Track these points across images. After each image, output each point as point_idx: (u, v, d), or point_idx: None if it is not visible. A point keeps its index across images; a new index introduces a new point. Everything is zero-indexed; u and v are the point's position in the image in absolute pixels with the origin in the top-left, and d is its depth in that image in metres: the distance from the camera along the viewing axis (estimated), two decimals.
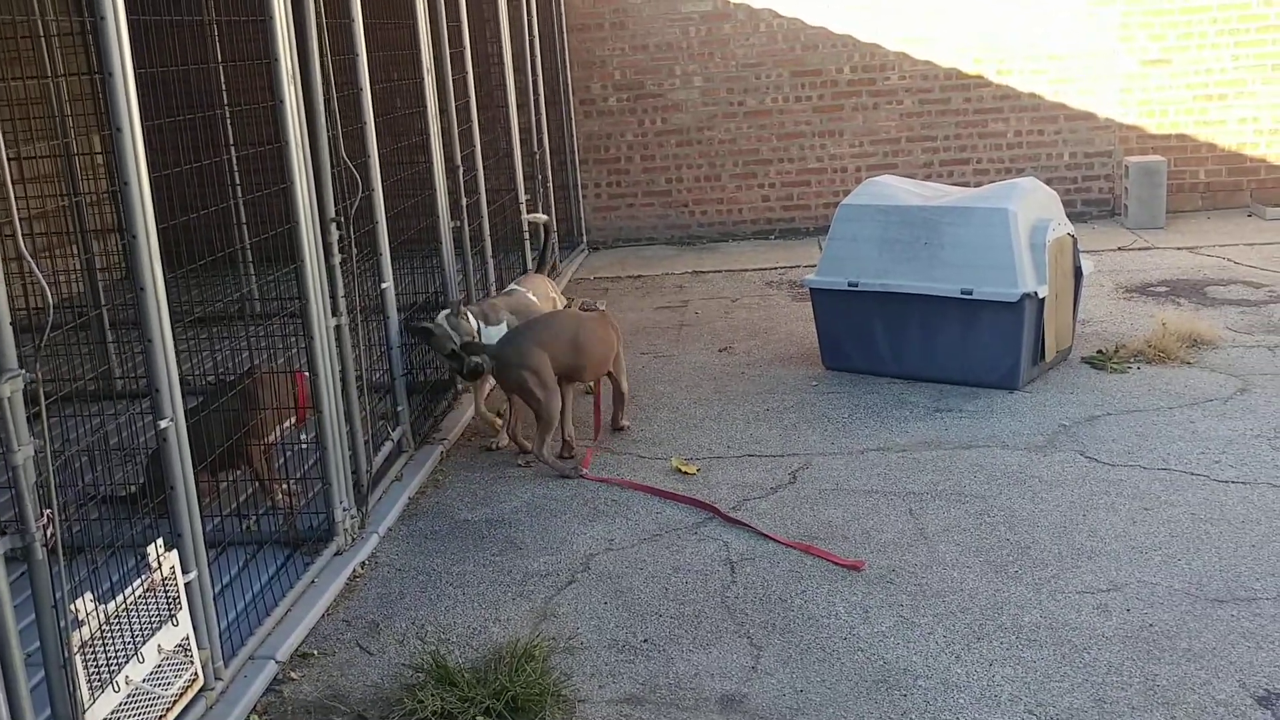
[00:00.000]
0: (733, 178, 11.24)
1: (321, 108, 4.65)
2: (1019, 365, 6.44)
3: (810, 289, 7.10)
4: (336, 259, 4.74)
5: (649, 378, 7.07)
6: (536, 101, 9.52)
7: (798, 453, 5.72)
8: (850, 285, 6.85)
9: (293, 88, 4.41)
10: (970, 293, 6.41)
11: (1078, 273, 6.84)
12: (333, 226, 4.71)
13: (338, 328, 4.75)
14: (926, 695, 3.59)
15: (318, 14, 4.66)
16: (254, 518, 4.97)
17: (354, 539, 4.82)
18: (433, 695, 3.56)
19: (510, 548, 4.81)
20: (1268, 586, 4.14)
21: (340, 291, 4.76)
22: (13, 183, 2.76)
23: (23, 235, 2.78)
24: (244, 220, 5.57)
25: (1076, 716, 3.44)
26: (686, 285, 9.62)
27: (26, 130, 6.32)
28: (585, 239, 11.19)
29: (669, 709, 3.60)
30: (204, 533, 3.75)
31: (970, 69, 10.80)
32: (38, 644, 2.90)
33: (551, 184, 9.86)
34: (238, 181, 5.81)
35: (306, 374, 4.63)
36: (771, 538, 4.70)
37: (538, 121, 9.47)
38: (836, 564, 4.49)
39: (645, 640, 4.01)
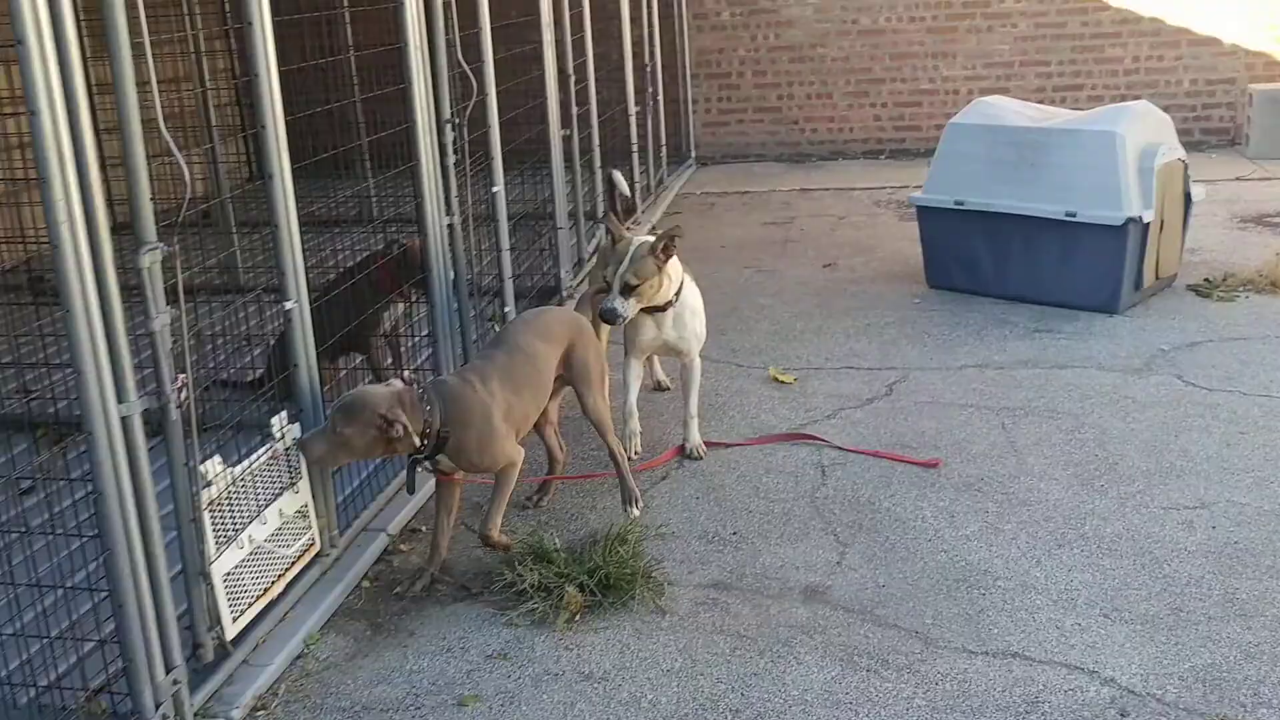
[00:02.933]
0: (844, 96, 11.15)
1: (440, 12, 4.79)
2: (1120, 289, 6.38)
3: (916, 207, 7.10)
4: (450, 160, 4.91)
5: (751, 291, 7.17)
6: (650, 14, 9.53)
7: (895, 366, 5.79)
8: (956, 204, 6.83)
9: None
10: (1074, 215, 6.35)
11: (1187, 199, 6.72)
12: (448, 128, 4.87)
13: (450, 226, 4.94)
14: (1005, 595, 3.70)
15: None
16: None
17: None
18: (531, 570, 3.78)
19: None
20: None
21: (453, 192, 4.93)
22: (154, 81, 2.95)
23: (163, 126, 2.99)
24: (361, 120, 5.77)
25: (1152, 623, 3.51)
26: (793, 202, 9.63)
27: (154, 33, 6.60)
28: (694, 154, 11.23)
29: (754, 595, 3.76)
30: (325, 414, 4.03)
31: None
32: (171, 506, 3.17)
33: (662, 98, 9.90)
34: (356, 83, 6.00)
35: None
36: (846, 449, 4.80)
37: (650, 35, 9.49)
38: (913, 464, 4.60)
39: (734, 533, 4.18)
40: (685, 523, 4.25)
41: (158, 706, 3.03)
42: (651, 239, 4.54)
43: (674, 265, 4.62)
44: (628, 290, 4.46)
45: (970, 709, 3.15)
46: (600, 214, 7.29)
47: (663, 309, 4.64)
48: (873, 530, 4.14)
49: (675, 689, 3.29)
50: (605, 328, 4.70)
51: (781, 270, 7.61)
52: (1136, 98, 10.51)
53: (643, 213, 8.96)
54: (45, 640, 3.27)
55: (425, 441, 3.69)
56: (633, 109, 8.73)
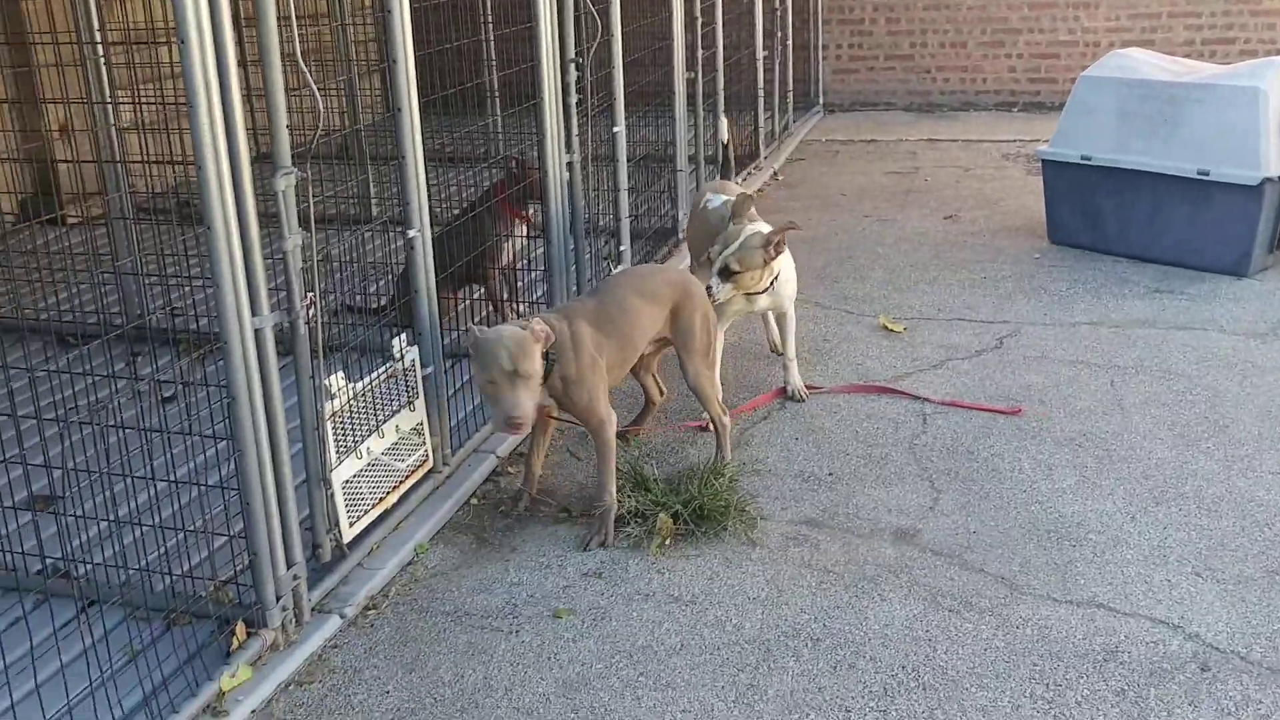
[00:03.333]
0: (979, 45, 10.93)
1: None
2: (1251, 252, 6.22)
3: (1042, 160, 6.99)
4: (573, 99, 5.04)
5: (868, 239, 7.17)
6: None
7: (1008, 320, 5.76)
8: (1083, 158, 6.71)
9: None
10: (1206, 173, 6.19)
11: None
12: (571, 67, 4.99)
13: (569, 164, 5.08)
14: (1095, 548, 3.72)
15: None
16: None
17: None
18: (629, 496, 3.94)
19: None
20: None
21: (574, 130, 5.07)
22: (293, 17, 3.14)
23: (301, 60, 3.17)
24: (493, 59, 5.93)
25: (1245, 583, 3.51)
26: (920, 152, 9.53)
27: None
28: (822, 101, 11.16)
29: (844, 534, 3.86)
30: (443, 344, 4.23)
31: None
32: (297, 421, 3.40)
33: (791, 43, 9.84)
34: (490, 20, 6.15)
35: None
36: (928, 399, 4.82)
37: None
38: (995, 412, 4.62)
39: (830, 474, 4.27)
40: (782, 461, 4.36)
41: (278, 599, 3.28)
42: (768, 229, 4.56)
43: (781, 258, 4.62)
44: (727, 274, 4.51)
45: (1049, 653, 3.21)
46: (719, 158, 7.32)
47: (759, 293, 4.68)
48: (968, 479, 4.19)
49: (760, 615, 3.42)
50: None
51: (901, 220, 7.58)
52: None
53: (765, 158, 8.99)
54: (181, 533, 3.55)
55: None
56: (760, 54, 8.72)
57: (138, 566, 3.47)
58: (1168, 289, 6.12)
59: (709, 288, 4.46)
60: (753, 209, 4.74)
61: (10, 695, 3.01)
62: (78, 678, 3.05)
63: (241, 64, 3.00)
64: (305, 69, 3.10)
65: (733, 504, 3.91)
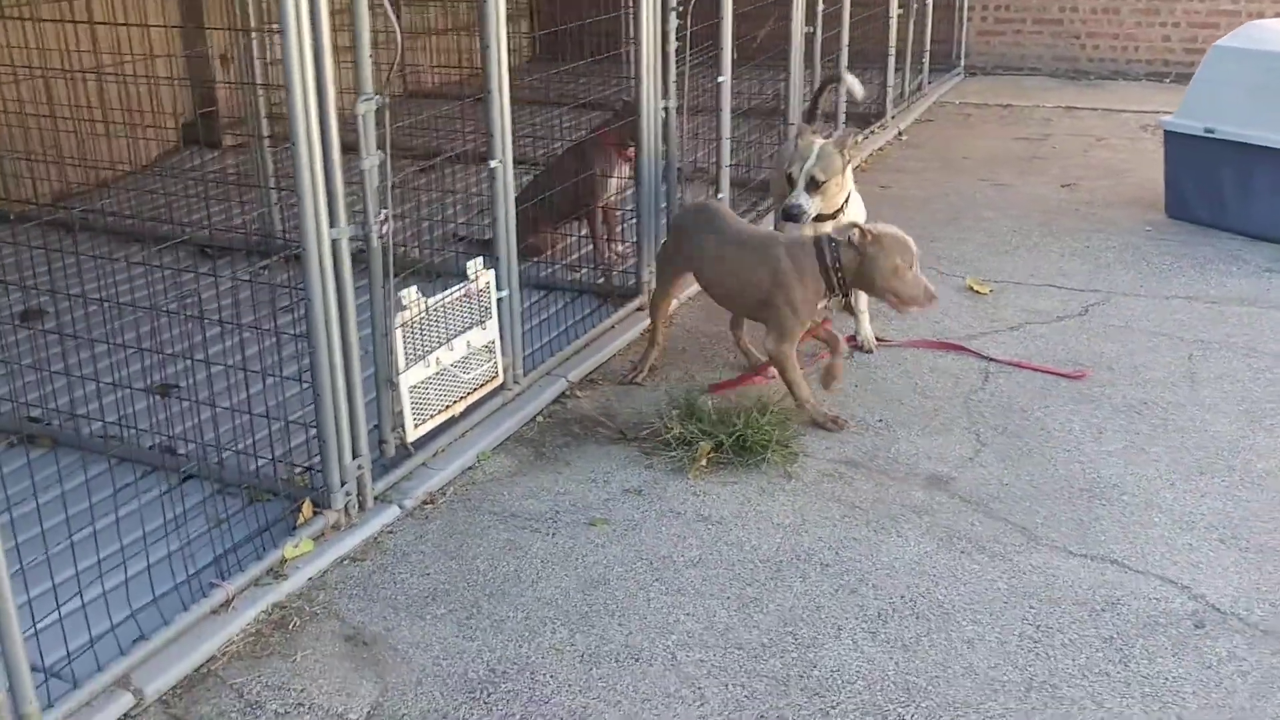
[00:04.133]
0: (1133, 12, 10.62)
1: None
2: None
3: (1165, 131, 6.86)
4: (673, 46, 5.24)
5: (978, 204, 7.17)
6: None
7: (1099, 290, 5.75)
8: (1206, 131, 6.57)
9: None
10: None
11: None
12: (672, 15, 5.19)
13: (665, 109, 5.29)
14: (1125, 509, 3.80)
15: None
16: (582, 270, 5.77)
17: None
18: (678, 423, 4.18)
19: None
20: None
21: (672, 77, 5.27)
22: None
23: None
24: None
25: (1265, 552, 3.54)
26: (1054, 119, 9.38)
27: None
28: (963, 63, 11.03)
29: (879, 475, 4.02)
30: (539, 276, 4.49)
31: None
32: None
33: (932, 2, 9.76)
34: None
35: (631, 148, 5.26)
36: (991, 358, 4.88)
37: None
38: (1058, 375, 4.69)
39: (880, 420, 4.42)
40: (837, 405, 4.52)
41: (343, 484, 3.64)
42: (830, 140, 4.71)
43: (847, 173, 4.77)
44: (814, 186, 4.66)
45: (1048, 598, 3.33)
46: (838, 115, 7.45)
47: (832, 216, 4.80)
48: (1016, 435, 4.29)
49: (778, 539, 3.63)
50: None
51: (1017, 186, 7.54)
52: None
53: (892, 118, 8.99)
54: (271, 421, 3.94)
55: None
56: (895, 11, 8.71)
57: (231, 449, 3.90)
58: None
59: (800, 205, 4.62)
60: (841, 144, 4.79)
61: (97, 550, 3.45)
62: (166, 540, 3.48)
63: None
64: (390, 8, 3.40)
65: (774, 439, 4.11)
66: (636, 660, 3.10)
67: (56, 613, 3.10)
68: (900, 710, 2.90)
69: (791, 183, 4.68)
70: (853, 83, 6.42)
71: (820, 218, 4.73)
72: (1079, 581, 3.42)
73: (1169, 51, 10.56)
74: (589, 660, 3.10)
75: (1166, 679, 3.01)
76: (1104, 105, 9.70)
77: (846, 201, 4.81)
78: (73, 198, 6.79)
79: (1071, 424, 4.38)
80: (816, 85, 6.61)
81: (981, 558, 3.54)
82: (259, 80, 5.82)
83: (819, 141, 4.67)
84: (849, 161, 4.72)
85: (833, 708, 2.91)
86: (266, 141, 5.91)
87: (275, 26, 3.29)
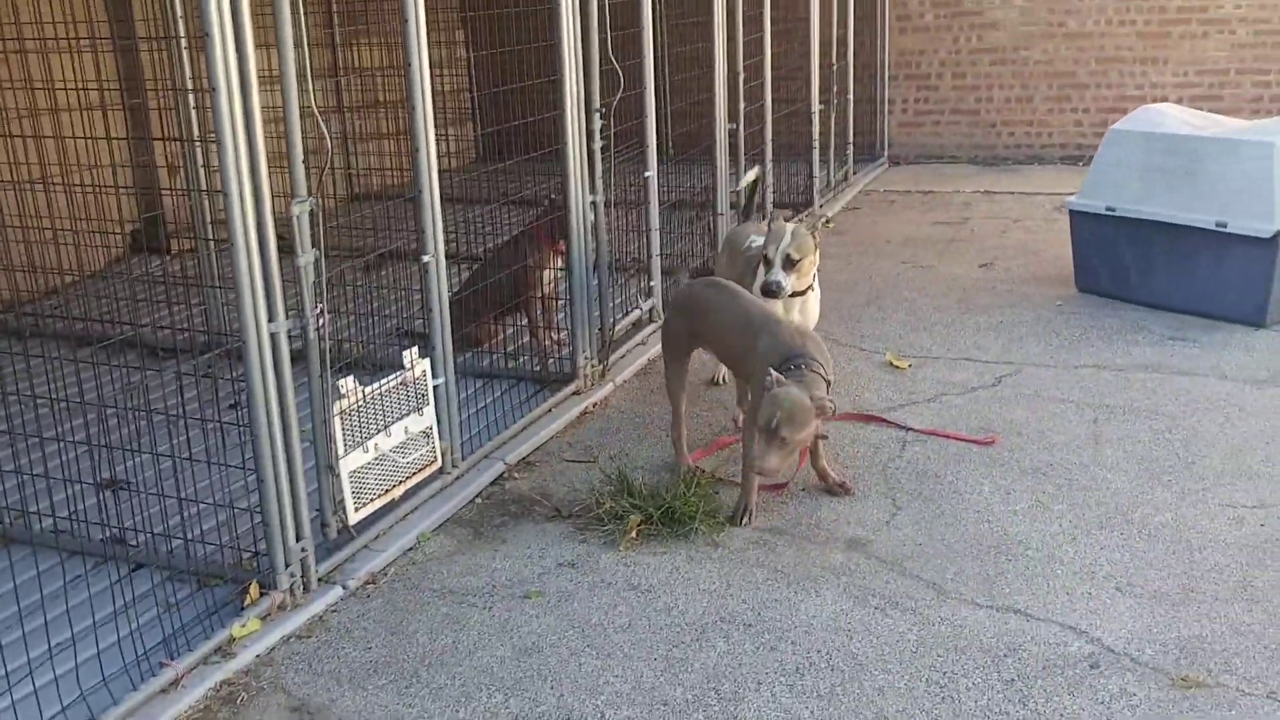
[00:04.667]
0: (1045, 100, 11.19)
1: (595, 15, 5.44)
2: (1267, 302, 6.40)
3: (1070, 211, 7.27)
4: (597, 144, 5.56)
5: (900, 285, 7.52)
6: (843, 16, 9.91)
7: (1012, 361, 6.06)
8: (1108, 209, 6.98)
9: None
10: (1224, 225, 6.41)
11: None
12: (595, 115, 5.51)
13: (593, 204, 5.59)
14: (1030, 563, 4.04)
15: None
16: (521, 358, 6.01)
17: (593, 384, 5.71)
18: (610, 500, 4.39)
19: (717, 407, 5.54)
20: None
21: (598, 173, 5.58)
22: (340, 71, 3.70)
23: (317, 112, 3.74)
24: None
25: (1159, 598, 3.79)
26: (972, 203, 9.83)
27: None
28: (886, 153, 11.52)
29: (801, 540, 4.24)
30: (479, 365, 4.69)
31: None
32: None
33: (858, 97, 10.25)
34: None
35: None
36: (905, 426, 5.16)
37: (842, 36, 9.87)
38: (967, 441, 4.97)
39: (804, 489, 4.65)
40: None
41: (287, 565, 3.80)
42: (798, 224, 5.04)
43: (816, 254, 5.07)
44: (789, 264, 4.94)
45: (955, 647, 3.55)
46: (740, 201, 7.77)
47: (803, 293, 5.08)
48: (930, 499, 4.53)
49: (704, 604, 3.83)
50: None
51: (937, 267, 7.91)
52: None
53: (820, 207, 9.39)
54: (215, 509, 4.10)
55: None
56: (816, 107, 9.16)
57: (179, 537, 4.06)
58: (1182, 336, 6.34)
59: (778, 283, 4.86)
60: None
61: (48, 638, 3.58)
62: (116, 626, 3.63)
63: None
64: (320, 118, 3.66)
65: (702, 510, 4.33)
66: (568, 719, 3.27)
67: (9, 696, 3.22)
68: None
69: (768, 262, 4.94)
70: (750, 174, 6.76)
71: (797, 293, 5.03)
72: (984, 631, 3.64)
73: (1080, 136, 11.11)
74: None
75: (1062, 715, 3.22)
76: (1020, 189, 10.17)
77: (811, 286, 5.10)
78: (22, 305, 6.95)
79: (982, 487, 4.63)
80: (747, 185, 6.89)
81: (894, 613, 3.75)
82: (204, 187, 6.06)
83: (792, 224, 4.98)
84: (818, 244, 5.02)
85: None
86: (211, 245, 6.13)
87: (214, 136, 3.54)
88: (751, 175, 6.59)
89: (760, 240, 5.32)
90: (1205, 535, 4.19)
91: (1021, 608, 3.77)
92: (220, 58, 3.39)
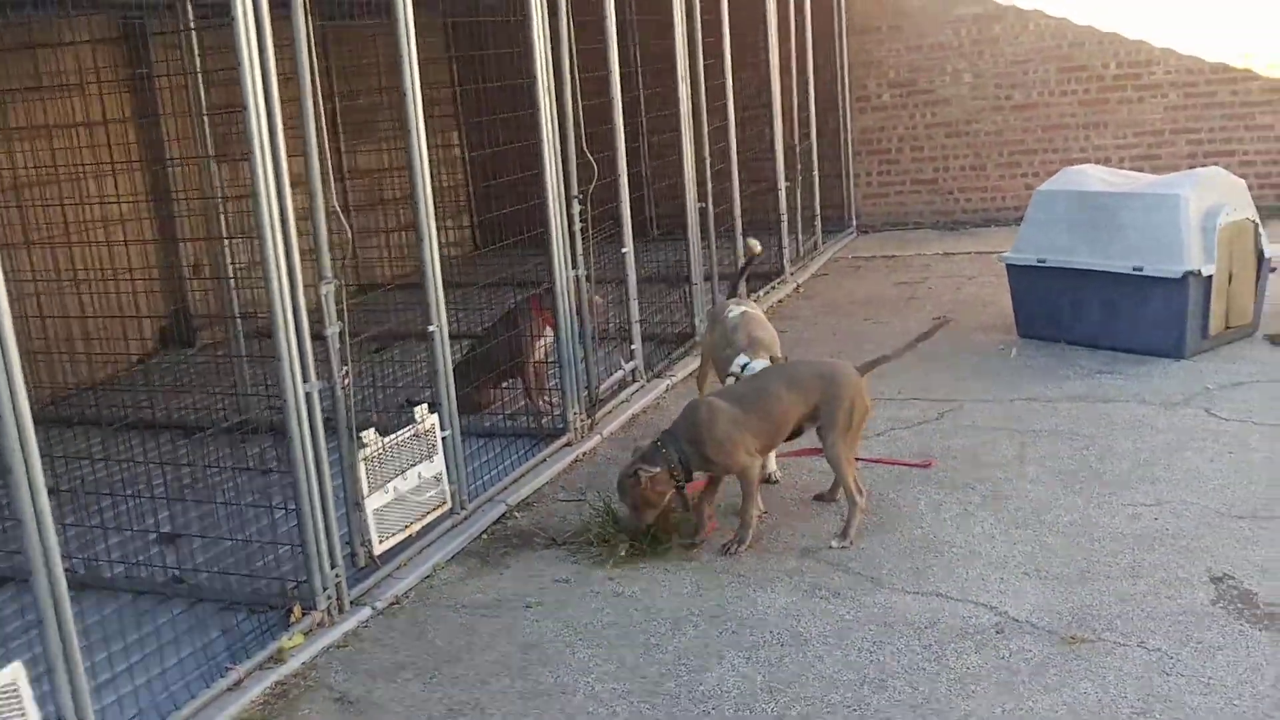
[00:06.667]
0: (997, 167, 12.07)
1: (570, 113, 6.30)
2: (1184, 336, 7.16)
3: (1006, 264, 8.07)
4: (577, 226, 6.38)
5: (859, 338, 8.29)
6: (805, 99, 10.81)
7: (956, 399, 6.81)
8: (1039, 261, 7.78)
9: (548, 98, 6.09)
10: (1141, 269, 7.20)
11: (1261, 256, 7.42)
12: (575, 202, 6.34)
13: (576, 278, 6.39)
14: (952, 556, 4.75)
15: (571, 37, 6.31)
16: (519, 418, 6.77)
17: (582, 437, 6.46)
18: (599, 528, 5.12)
19: None
20: None
21: (579, 251, 6.39)
22: (345, 174, 4.52)
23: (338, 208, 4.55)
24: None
25: (1059, 579, 4.50)
26: (932, 264, 10.65)
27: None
28: (855, 223, 12.38)
29: (761, 552, 4.96)
30: (481, 426, 5.46)
31: (1239, 63, 11.08)
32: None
33: (818, 173, 11.12)
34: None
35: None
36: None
37: (804, 119, 10.77)
38: (908, 465, 5.69)
39: (765, 512, 5.37)
40: (730, 503, 5.47)
41: (324, 589, 4.53)
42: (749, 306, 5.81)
43: None
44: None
45: (884, 622, 4.26)
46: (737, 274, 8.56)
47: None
48: (873, 513, 5.24)
49: (677, 602, 4.54)
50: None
51: (895, 322, 8.68)
52: None
53: (790, 274, 10.21)
54: (259, 545, 4.83)
55: (676, 476, 4.88)
56: (782, 184, 10.02)
57: (232, 572, 4.79)
58: (1110, 370, 7.08)
59: (743, 369, 5.47)
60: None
61: (128, 658, 4.30)
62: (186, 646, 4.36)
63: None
64: (342, 217, 4.48)
65: (678, 532, 5.06)
66: (564, 694, 3.97)
67: (100, 699, 3.94)
68: (765, 706, 3.79)
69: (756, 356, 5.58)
70: (752, 244, 7.45)
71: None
72: (909, 610, 4.35)
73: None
74: (526, 696, 3.97)
75: (969, 669, 3.93)
76: (976, 249, 10.99)
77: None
78: (68, 397, 7.74)
79: (917, 502, 5.35)
80: (740, 265, 7.43)
81: (836, 601, 4.46)
82: (232, 283, 6.88)
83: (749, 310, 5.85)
84: None
85: (713, 709, 3.80)
86: (240, 329, 6.93)
87: (243, 235, 4.33)
88: (753, 247, 7.17)
89: (738, 310, 6.01)
90: (1105, 529, 4.91)
91: (943, 592, 4.47)
92: (261, 169, 4.20)
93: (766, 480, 5.81)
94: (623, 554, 4.97)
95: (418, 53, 5.07)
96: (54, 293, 7.53)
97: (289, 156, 4.33)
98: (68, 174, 7.33)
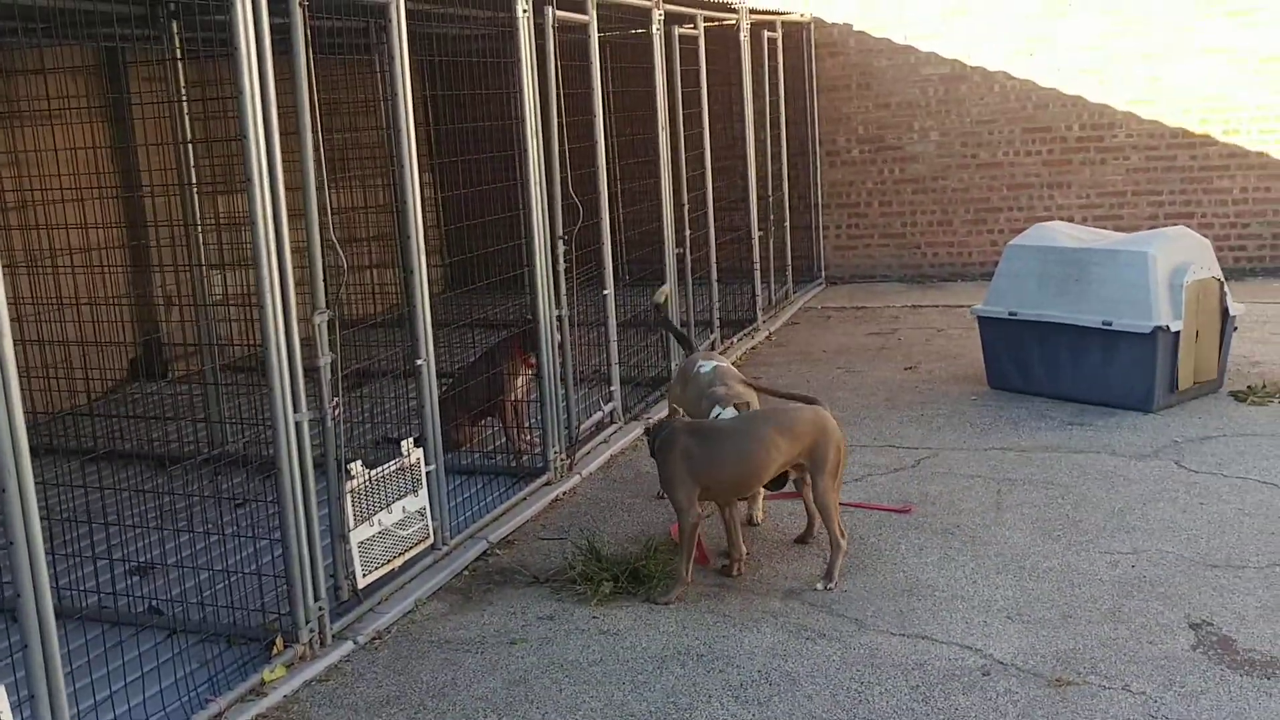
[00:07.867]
0: (964, 223, 12.28)
1: (556, 155, 6.36)
2: (1153, 390, 7.29)
3: (978, 317, 8.20)
4: (561, 266, 6.41)
5: (833, 387, 8.36)
6: (777, 153, 10.98)
7: (930, 447, 6.88)
8: (1010, 314, 7.91)
9: (536, 140, 6.15)
10: (1110, 324, 7.34)
11: (1226, 314, 7.59)
12: (559, 242, 6.39)
13: (559, 317, 6.42)
14: (935, 600, 4.79)
15: (559, 85, 6.38)
16: (497, 456, 6.75)
17: (562, 476, 6.46)
18: (582, 565, 5.11)
19: None
20: (1263, 559, 5.02)
21: (563, 291, 6.42)
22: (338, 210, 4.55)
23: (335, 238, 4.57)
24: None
25: (1041, 623, 4.54)
26: (901, 316, 10.78)
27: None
28: (824, 274, 12.52)
29: (745, 592, 4.97)
30: (461, 464, 5.46)
31: (1197, 129, 11.40)
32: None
33: (798, 224, 11.26)
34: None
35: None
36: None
37: (776, 171, 10.93)
38: (888, 510, 5.74)
39: (748, 554, 5.38)
40: (713, 544, 5.48)
41: (307, 622, 4.48)
42: (719, 360, 5.88)
43: None
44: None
45: (872, 664, 4.27)
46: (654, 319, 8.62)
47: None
48: (855, 556, 5.28)
49: (663, 641, 4.53)
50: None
51: (867, 371, 8.78)
52: (1246, 226, 11.40)
53: (762, 323, 10.29)
54: (241, 576, 4.77)
55: None
56: (756, 234, 10.14)
57: (211, 604, 4.72)
58: (1080, 422, 7.20)
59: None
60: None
61: (109, 686, 4.22)
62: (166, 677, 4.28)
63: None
64: (338, 248, 4.49)
65: (661, 569, 5.05)
66: None
67: None
68: None
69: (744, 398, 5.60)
70: (664, 289, 7.46)
71: None
72: (895, 652, 4.37)
73: (996, 254, 11.98)
74: None
75: (957, 710, 3.95)
76: (944, 302, 11.16)
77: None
78: (37, 425, 7.62)
79: (899, 547, 5.39)
80: (662, 317, 7.33)
81: (822, 642, 4.48)
82: (206, 315, 6.84)
83: (719, 364, 5.88)
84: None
85: None
86: (216, 361, 6.88)
87: (221, 266, 4.33)
88: (662, 292, 7.21)
89: (709, 366, 6.00)
90: (1085, 575, 4.97)
91: (928, 634, 4.50)
92: (259, 199, 4.21)
93: (748, 522, 5.83)
94: (607, 592, 4.96)
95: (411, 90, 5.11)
96: (27, 319, 7.44)
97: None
98: (42, 200, 7.28)
